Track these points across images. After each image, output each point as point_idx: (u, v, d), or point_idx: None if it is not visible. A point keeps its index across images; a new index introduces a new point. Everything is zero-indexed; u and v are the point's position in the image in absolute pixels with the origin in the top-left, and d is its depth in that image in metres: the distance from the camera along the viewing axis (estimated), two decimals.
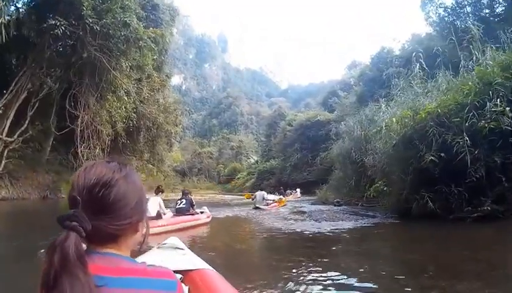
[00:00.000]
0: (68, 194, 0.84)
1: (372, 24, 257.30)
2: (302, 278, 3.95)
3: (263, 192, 16.61)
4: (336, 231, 7.97)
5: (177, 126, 30.97)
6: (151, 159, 28.15)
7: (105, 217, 0.83)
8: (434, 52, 12.37)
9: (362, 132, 15.33)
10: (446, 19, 23.32)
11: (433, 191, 8.09)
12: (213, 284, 1.66)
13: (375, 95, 22.90)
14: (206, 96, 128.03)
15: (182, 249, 2.07)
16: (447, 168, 7.88)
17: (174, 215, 8.65)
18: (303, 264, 4.63)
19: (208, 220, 9.65)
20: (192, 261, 1.88)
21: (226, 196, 37.14)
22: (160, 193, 8.62)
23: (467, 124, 7.63)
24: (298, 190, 32.64)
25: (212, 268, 1.84)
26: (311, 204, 18.76)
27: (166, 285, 0.87)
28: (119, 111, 19.36)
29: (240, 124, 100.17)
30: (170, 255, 1.96)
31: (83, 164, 0.96)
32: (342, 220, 9.91)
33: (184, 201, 9.14)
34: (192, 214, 9.10)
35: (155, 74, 22.76)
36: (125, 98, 19.43)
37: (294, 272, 4.21)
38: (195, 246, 6.42)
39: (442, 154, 7.77)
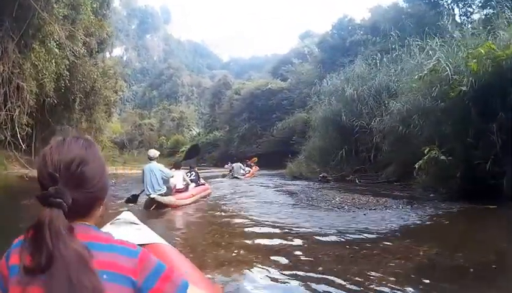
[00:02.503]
0: (39, 171, 0.84)
1: None
2: None
3: (240, 164, 19.62)
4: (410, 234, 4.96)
5: (116, 92, 28.10)
6: (89, 128, 24.51)
7: (83, 191, 0.85)
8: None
9: (355, 92, 13.21)
10: None
11: None
12: (168, 258, 1.62)
13: (337, 62, 22.61)
14: (147, 67, 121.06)
15: (137, 224, 1.90)
16: None
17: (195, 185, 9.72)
18: None
19: (211, 190, 10.74)
20: (147, 236, 1.82)
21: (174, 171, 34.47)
22: (181, 168, 9.41)
23: None
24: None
25: (167, 243, 1.81)
26: (289, 180, 16.02)
27: (129, 252, 0.87)
28: (48, 65, 15.37)
29: (181, 95, 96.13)
30: (126, 230, 1.77)
31: None
32: (384, 207, 6.95)
33: (193, 173, 10.27)
34: (203, 184, 10.27)
35: (92, 17, 18.53)
36: (57, 50, 15.57)
37: None
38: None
39: None
